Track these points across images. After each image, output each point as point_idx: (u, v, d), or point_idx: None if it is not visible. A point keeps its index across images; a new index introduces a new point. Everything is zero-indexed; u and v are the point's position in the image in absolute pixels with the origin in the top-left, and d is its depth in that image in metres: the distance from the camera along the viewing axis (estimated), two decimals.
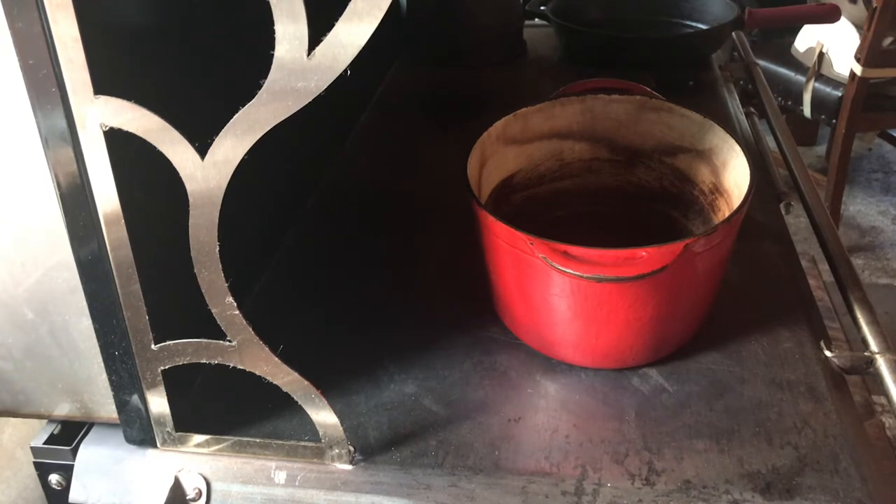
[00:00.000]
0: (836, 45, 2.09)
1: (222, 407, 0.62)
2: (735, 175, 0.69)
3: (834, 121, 2.10)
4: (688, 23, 1.31)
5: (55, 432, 0.63)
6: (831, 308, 0.82)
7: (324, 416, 0.56)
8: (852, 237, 2.28)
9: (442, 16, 1.28)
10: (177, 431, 0.59)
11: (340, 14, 0.42)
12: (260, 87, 0.44)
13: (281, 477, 0.58)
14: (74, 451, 0.61)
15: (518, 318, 0.68)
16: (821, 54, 2.11)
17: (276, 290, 0.78)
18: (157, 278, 0.53)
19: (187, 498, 0.59)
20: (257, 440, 0.59)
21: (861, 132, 2.23)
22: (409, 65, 1.30)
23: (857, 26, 2.02)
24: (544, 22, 1.30)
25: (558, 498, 0.55)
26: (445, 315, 0.73)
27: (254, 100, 0.45)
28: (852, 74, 1.98)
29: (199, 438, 0.59)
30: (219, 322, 0.52)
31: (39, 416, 0.62)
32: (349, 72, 0.43)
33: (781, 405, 0.62)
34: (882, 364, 0.62)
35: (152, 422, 0.59)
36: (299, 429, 0.61)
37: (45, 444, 0.62)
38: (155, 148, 0.47)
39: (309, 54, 0.43)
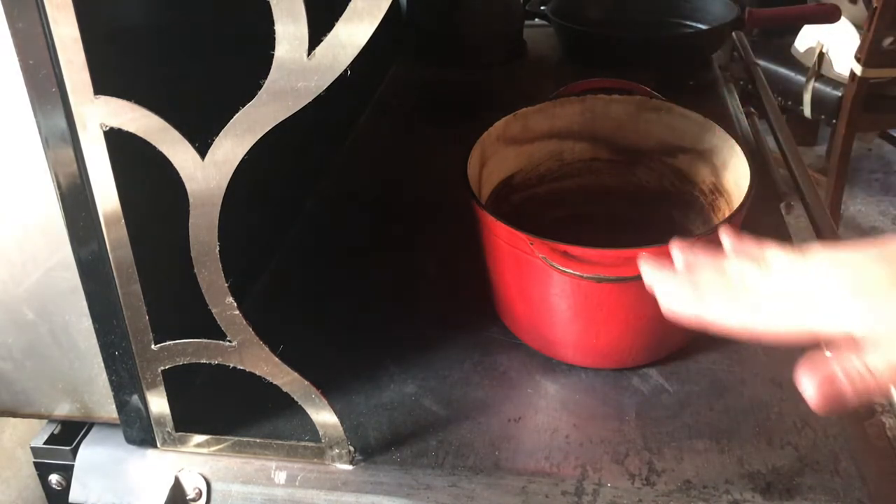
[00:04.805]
0: (836, 45, 2.09)
1: (222, 407, 0.62)
2: (735, 175, 0.69)
3: (834, 121, 2.10)
4: (688, 23, 1.31)
5: (55, 432, 0.63)
6: None
7: (324, 416, 0.56)
8: (852, 237, 2.27)
9: (441, 16, 1.28)
10: (177, 431, 0.59)
11: (340, 14, 0.42)
12: (260, 87, 0.44)
13: (281, 477, 0.58)
14: (74, 451, 0.61)
15: (518, 318, 0.68)
16: (821, 54, 2.11)
17: (276, 289, 0.78)
18: (157, 278, 0.53)
19: (187, 498, 0.59)
20: (257, 440, 0.59)
21: (861, 132, 2.23)
22: (409, 65, 1.30)
23: (857, 26, 2.02)
24: (544, 22, 1.30)
25: (558, 498, 0.55)
26: (445, 315, 0.73)
27: (254, 100, 0.45)
28: (852, 74, 1.98)
29: (199, 438, 0.59)
30: (219, 322, 0.52)
31: (39, 416, 0.62)
32: (349, 72, 0.43)
33: (781, 405, 0.61)
34: None
35: (152, 422, 0.59)
36: (299, 429, 0.61)
37: (45, 444, 0.62)
38: (155, 148, 0.47)
39: (309, 54, 0.43)
